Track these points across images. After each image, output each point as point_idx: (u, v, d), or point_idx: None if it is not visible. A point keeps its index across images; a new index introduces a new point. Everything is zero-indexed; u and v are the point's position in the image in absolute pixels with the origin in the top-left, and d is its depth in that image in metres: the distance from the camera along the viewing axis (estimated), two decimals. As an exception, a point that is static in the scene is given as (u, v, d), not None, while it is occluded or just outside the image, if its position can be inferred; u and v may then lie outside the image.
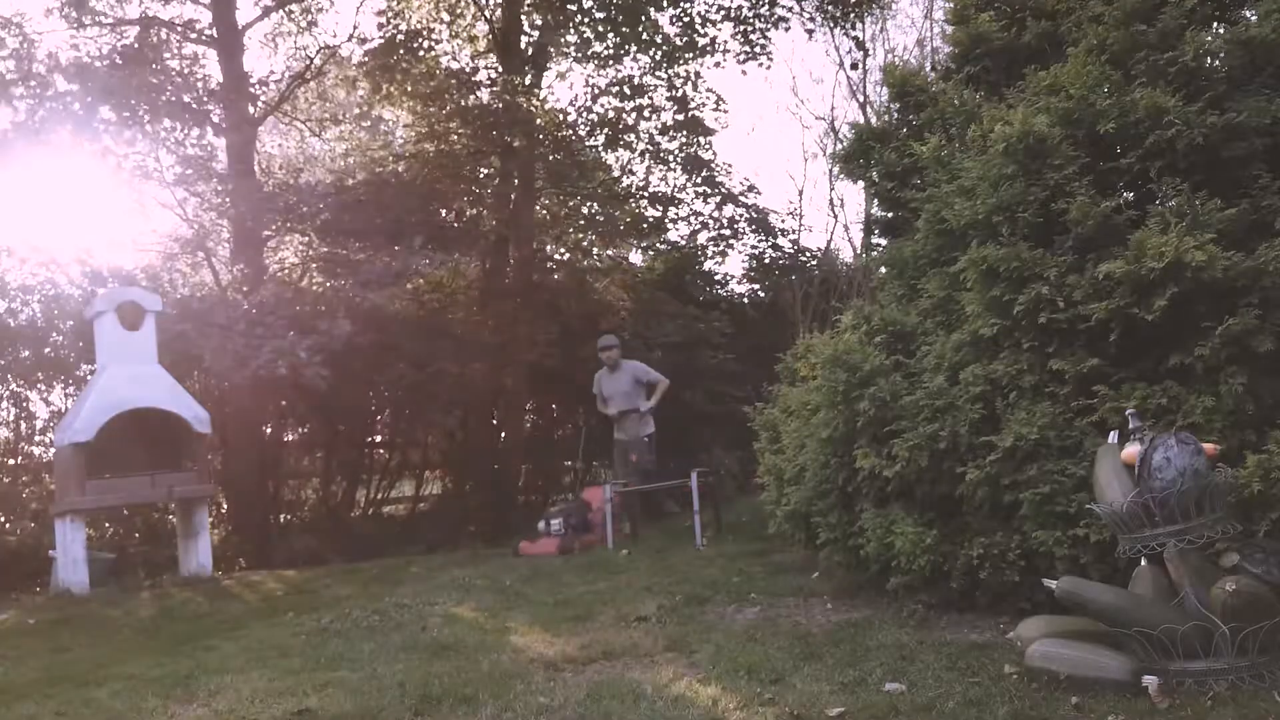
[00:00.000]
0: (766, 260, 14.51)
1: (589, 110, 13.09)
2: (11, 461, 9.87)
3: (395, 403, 11.93)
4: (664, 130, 13.37)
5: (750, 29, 13.30)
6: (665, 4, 12.69)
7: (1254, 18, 4.54)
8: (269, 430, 11.40)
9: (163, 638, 5.46)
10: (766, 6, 13.23)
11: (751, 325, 13.29)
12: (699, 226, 14.19)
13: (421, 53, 11.94)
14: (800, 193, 25.57)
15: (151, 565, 8.54)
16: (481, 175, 12.57)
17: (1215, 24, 4.75)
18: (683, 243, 14.20)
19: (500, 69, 12.39)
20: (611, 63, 13.11)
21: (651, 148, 13.45)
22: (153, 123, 10.61)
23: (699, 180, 13.86)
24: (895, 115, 6.49)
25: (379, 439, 12.91)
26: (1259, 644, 2.93)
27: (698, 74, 13.33)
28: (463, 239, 11.63)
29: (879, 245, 7.47)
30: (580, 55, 13.12)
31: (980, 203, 4.40)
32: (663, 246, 14.17)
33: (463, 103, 11.80)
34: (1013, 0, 5.71)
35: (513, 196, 12.40)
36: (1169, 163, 4.18)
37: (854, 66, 14.45)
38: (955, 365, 4.38)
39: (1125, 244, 3.88)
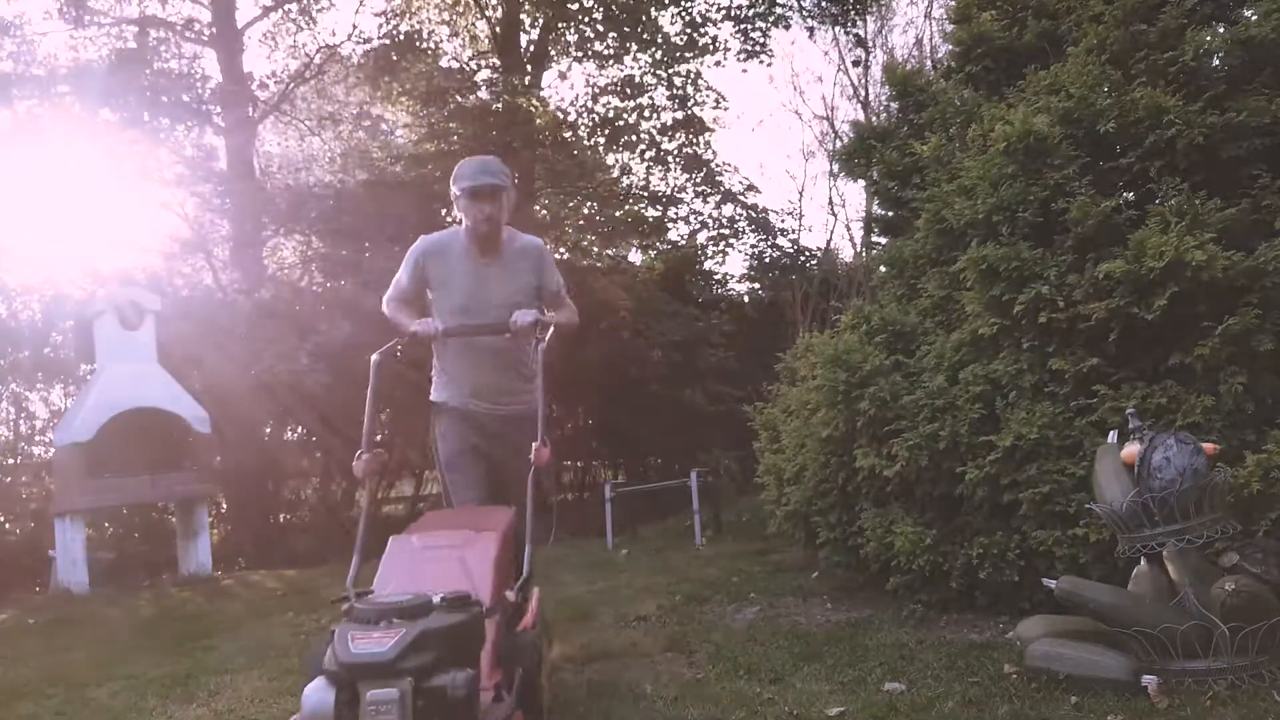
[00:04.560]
0: (766, 260, 14.53)
1: (589, 110, 13.10)
2: (11, 461, 9.88)
3: (395, 402, 11.93)
4: (664, 130, 13.38)
5: (751, 28, 13.32)
6: (666, 2, 12.70)
7: (1254, 18, 4.53)
8: (269, 430, 11.40)
9: (163, 638, 5.45)
10: (766, 5, 13.25)
11: (751, 325, 13.30)
12: (699, 226, 14.21)
13: (422, 51, 11.95)
14: (800, 192, 25.61)
15: (151, 565, 8.54)
16: (481, 175, 12.55)
17: (1215, 24, 4.74)
18: (683, 242, 14.21)
19: (500, 68, 12.40)
20: (612, 62, 13.13)
21: (651, 147, 13.46)
22: (152, 123, 10.62)
23: (699, 180, 13.87)
24: (896, 114, 6.48)
25: (379, 439, 12.91)
26: (1258, 644, 2.92)
27: (698, 73, 13.36)
28: (462, 239, 11.60)
29: (879, 244, 7.46)
30: (581, 54, 13.14)
31: (980, 202, 4.40)
32: (663, 246, 14.17)
33: (462, 102, 11.80)
34: (1013, 0, 5.71)
35: (512, 196, 12.39)
36: (1169, 162, 4.18)
37: (855, 64, 14.45)
38: (955, 365, 4.37)
39: (1125, 244, 3.88)
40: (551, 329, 3.43)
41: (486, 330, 3.49)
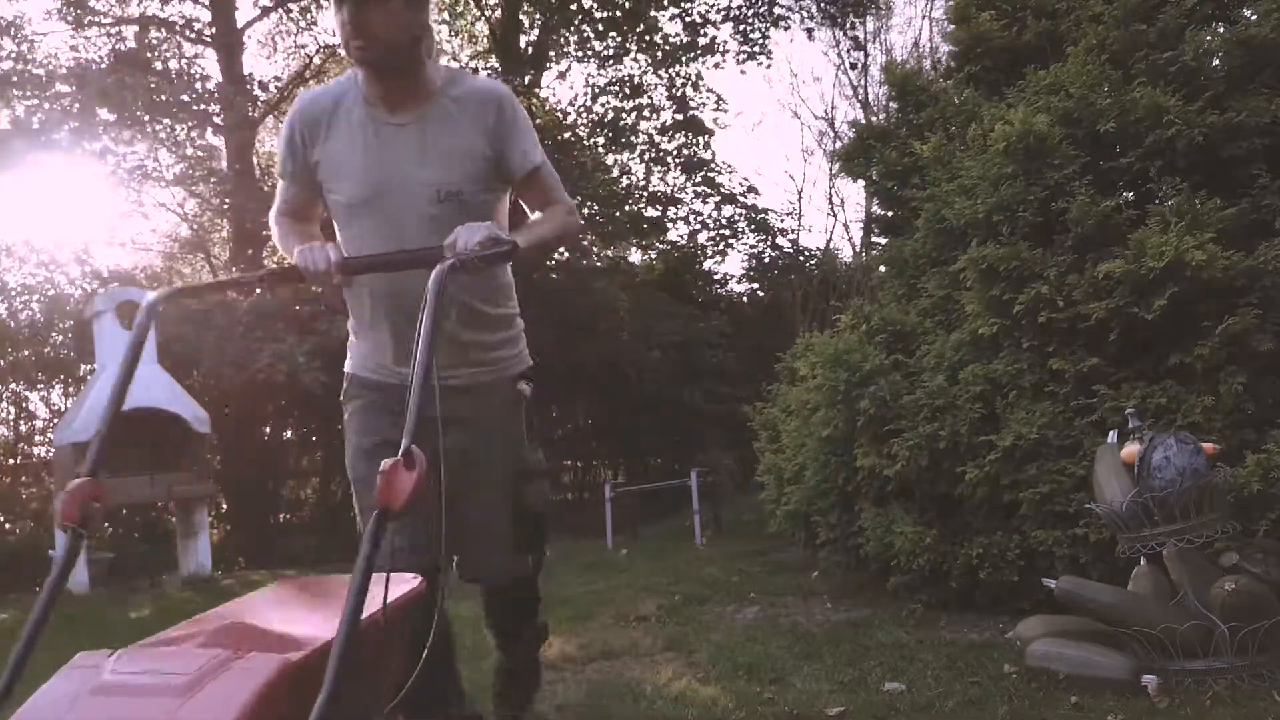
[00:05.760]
0: (766, 260, 14.53)
1: (589, 110, 13.10)
2: (11, 461, 9.89)
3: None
4: (663, 130, 13.39)
5: (750, 28, 13.33)
6: (666, 3, 12.71)
7: (1254, 18, 4.53)
8: (268, 430, 11.40)
9: (162, 637, 5.45)
10: (766, 6, 13.27)
11: (750, 325, 13.30)
12: (698, 226, 14.21)
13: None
14: (800, 192, 25.70)
15: (151, 565, 8.54)
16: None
17: (1215, 24, 4.74)
18: (682, 242, 14.21)
19: (500, 69, 12.40)
20: (612, 62, 13.13)
21: (651, 147, 13.46)
22: (152, 123, 10.63)
23: (698, 180, 13.87)
24: (895, 114, 6.48)
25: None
26: (1258, 643, 2.92)
27: (699, 74, 13.37)
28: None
29: (879, 244, 7.46)
30: (580, 54, 13.14)
31: (980, 202, 4.40)
32: (662, 246, 14.18)
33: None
34: (1013, 0, 5.71)
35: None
36: (1169, 162, 4.18)
37: (854, 66, 14.47)
38: (955, 365, 4.37)
39: (1125, 243, 3.88)
40: (512, 248, 1.96)
41: (405, 261, 2.02)
